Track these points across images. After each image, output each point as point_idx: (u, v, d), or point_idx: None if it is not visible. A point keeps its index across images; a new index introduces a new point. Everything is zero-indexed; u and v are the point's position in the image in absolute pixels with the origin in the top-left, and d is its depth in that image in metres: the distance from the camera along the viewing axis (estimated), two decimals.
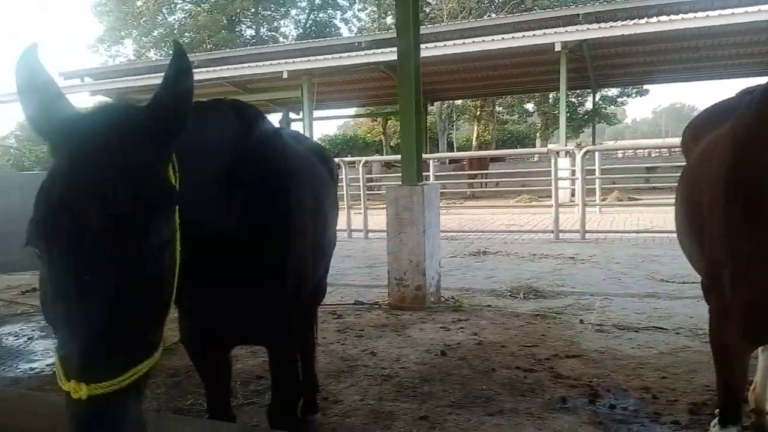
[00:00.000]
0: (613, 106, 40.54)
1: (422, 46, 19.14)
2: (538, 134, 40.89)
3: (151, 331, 1.35)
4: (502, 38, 18.93)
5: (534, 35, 18.86)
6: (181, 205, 1.45)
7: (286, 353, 2.56)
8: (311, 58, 21.66)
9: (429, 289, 6.37)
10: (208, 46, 39.16)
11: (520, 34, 19.24)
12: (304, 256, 2.41)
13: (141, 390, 1.35)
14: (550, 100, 39.41)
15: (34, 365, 5.14)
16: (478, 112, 38.90)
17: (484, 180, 20.04)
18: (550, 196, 17.92)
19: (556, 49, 18.51)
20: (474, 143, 39.18)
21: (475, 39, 19.32)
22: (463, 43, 19.16)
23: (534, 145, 39.61)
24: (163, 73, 1.45)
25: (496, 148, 36.00)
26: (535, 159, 30.87)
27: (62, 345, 1.26)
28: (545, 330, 5.35)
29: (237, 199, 1.98)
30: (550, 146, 23.94)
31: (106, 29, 42.89)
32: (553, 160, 10.37)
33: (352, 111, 38.31)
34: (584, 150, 10.58)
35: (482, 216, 13.99)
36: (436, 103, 33.65)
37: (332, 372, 4.55)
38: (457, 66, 22.74)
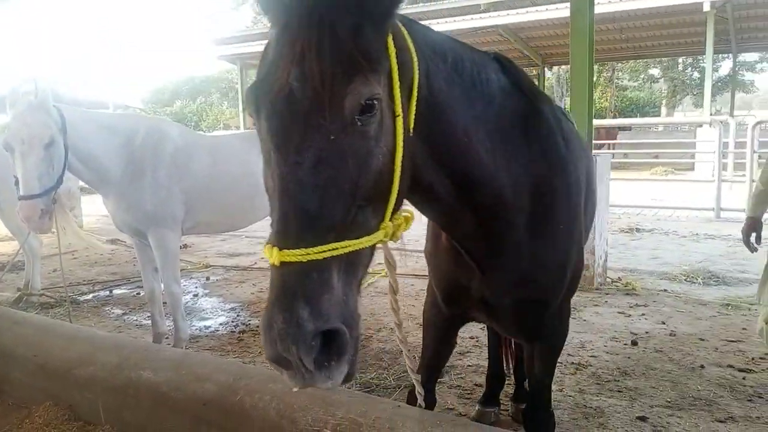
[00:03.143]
0: (750, 73, 36.86)
1: (552, 6, 17.85)
2: (663, 102, 38.03)
3: (355, 209, 1.21)
4: None
5: None
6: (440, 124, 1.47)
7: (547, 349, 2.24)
8: (425, 21, 20.96)
9: (596, 269, 5.89)
10: None
11: None
12: (580, 240, 2.03)
13: (353, 275, 1.22)
14: (679, 66, 36.40)
15: (207, 323, 5.25)
16: (595, 78, 36.66)
17: (612, 151, 18.81)
18: (688, 169, 16.61)
19: (704, 9, 16.80)
20: None
21: None
22: (609, 2, 17.69)
23: (658, 114, 36.91)
24: None
25: (615, 116, 33.87)
26: (659, 129, 28.75)
27: (270, 212, 1.23)
28: (745, 323, 4.75)
29: (516, 157, 1.75)
30: (694, 117, 22.09)
31: None
32: (717, 130, 9.36)
33: None
34: (756, 122, 9.49)
35: (619, 189, 12.99)
36: (554, 68, 32.00)
37: None
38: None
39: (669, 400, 3.49)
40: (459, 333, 2.46)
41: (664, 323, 4.82)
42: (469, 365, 4.09)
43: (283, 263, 1.13)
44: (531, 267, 1.87)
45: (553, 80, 34.55)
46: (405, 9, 1.40)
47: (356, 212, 1.21)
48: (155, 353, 2.63)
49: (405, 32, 1.40)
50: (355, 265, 1.22)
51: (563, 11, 17.53)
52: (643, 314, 5.07)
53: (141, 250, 4.30)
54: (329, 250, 1.14)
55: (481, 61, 1.74)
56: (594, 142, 19.22)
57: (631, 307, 5.28)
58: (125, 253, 8.44)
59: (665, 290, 5.76)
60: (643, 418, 3.27)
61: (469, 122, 1.60)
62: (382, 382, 3.84)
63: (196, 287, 6.54)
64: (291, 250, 1.12)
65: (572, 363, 4.07)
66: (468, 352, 4.35)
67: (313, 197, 1.15)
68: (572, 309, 5.18)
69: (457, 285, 2.01)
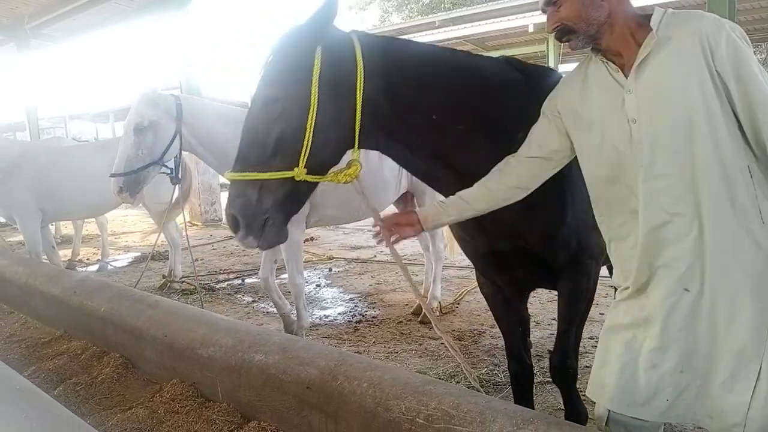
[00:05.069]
0: None
1: None
2: None
3: (268, 156, 1.96)
4: None
5: None
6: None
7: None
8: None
9: None
10: (447, 6, 39.15)
11: None
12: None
13: (271, 192, 1.97)
14: None
15: (327, 312, 5.47)
16: None
17: None
18: None
19: None
20: None
21: None
22: None
23: None
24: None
25: None
26: None
27: None
28: None
29: (501, 140, 2.10)
30: None
31: None
32: None
33: None
34: None
35: None
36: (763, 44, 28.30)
37: None
38: None
39: None
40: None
41: None
42: (587, 366, 3.90)
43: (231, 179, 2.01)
44: (519, 222, 2.20)
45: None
46: None
47: (269, 157, 1.95)
48: (265, 337, 2.79)
49: (358, 50, 1.99)
50: (268, 186, 1.96)
51: None
52: None
53: None
54: (244, 176, 1.96)
55: (483, 65, 2.25)
56: None
57: None
58: None
59: None
60: None
61: (439, 109, 2.08)
62: (493, 378, 3.79)
63: (319, 278, 6.83)
64: (230, 173, 2.00)
65: None
66: (586, 353, 4.14)
67: (245, 148, 1.99)
68: None
69: (473, 246, 2.48)
